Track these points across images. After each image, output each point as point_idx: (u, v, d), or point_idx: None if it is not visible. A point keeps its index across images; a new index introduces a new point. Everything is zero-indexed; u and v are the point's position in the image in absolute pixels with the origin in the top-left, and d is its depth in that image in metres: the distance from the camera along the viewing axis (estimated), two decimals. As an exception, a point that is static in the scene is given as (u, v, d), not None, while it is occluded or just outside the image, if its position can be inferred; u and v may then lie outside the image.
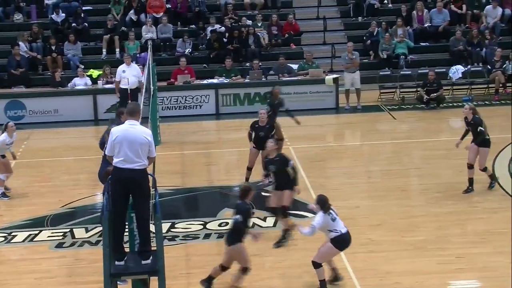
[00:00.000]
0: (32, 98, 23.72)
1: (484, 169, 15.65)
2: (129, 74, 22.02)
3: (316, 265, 11.31)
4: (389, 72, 25.45)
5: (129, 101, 21.54)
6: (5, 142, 16.04)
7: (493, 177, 15.90)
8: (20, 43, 25.75)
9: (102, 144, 13.56)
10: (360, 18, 28.43)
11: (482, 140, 15.38)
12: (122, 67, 22.33)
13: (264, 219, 14.58)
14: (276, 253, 13.00)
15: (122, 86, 22.02)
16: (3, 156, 16.22)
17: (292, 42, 27.25)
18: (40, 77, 25.47)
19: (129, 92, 21.65)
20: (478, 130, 15.38)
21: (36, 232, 14.38)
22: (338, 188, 15.66)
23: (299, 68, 24.75)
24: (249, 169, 16.18)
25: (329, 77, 24.11)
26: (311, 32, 28.19)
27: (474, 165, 15.50)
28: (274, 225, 14.25)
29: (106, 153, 9.52)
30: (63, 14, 27.40)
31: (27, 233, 14.28)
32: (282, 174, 13.26)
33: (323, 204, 11.32)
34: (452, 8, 27.81)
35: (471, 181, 15.63)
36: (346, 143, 20.71)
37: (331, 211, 11.28)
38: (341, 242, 11.32)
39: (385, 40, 26.21)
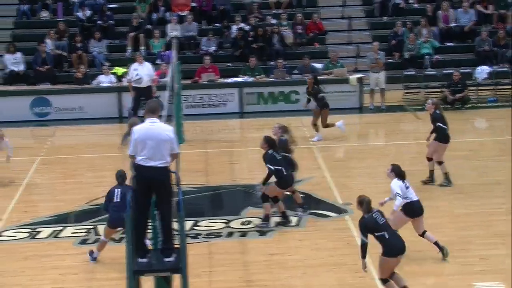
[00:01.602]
0: (57, 95, 23.88)
1: (440, 163, 16.17)
2: (141, 73, 22.09)
3: None
4: (413, 72, 25.35)
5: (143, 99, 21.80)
6: None
7: (447, 176, 16.19)
8: (46, 40, 25.94)
9: None
10: (385, 18, 28.33)
11: (441, 136, 15.99)
12: (134, 66, 22.38)
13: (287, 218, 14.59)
14: (298, 253, 13.02)
15: (135, 84, 22.14)
16: None
17: (317, 41, 27.22)
18: (66, 74, 25.62)
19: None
20: (437, 125, 15.95)
21: (60, 228, 14.49)
22: (361, 188, 15.58)
23: (325, 67, 24.73)
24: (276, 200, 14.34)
25: (353, 77, 24.07)
26: (336, 32, 28.13)
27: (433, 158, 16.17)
28: (297, 224, 14.30)
29: (128, 152, 9.51)
30: (89, 12, 27.57)
31: (51, 229, 14.38)
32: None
33: (399, 171, 12.28)
34: (478, 8, 27.64)
35: (431, 173, 16.26)
36: (370, 143, 20.65)
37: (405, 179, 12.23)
38: (412, 209, 12.18)
39: (409, 40, 26.10)
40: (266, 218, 14.15)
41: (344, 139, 20.38)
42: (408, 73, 25.32)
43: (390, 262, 10.75)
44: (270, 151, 14.07)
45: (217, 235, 13.97)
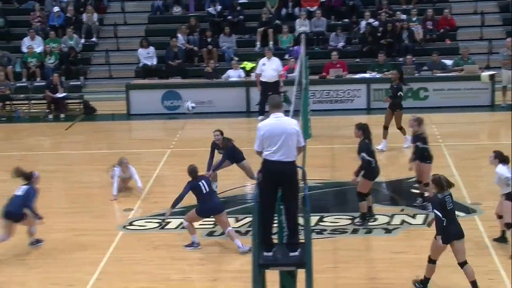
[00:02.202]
0: (187, 89, 24.38)
1: None
2: (269, 68, 22.35)
3: (509, 226, 12.33)
4: (549, 70, 24.49)
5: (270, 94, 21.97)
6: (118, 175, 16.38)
7: None
8: (178, 35, 26.54)
9: None
10: (520, 13, 27.52)
11: None
12: (262, 60, 22.68)
13: (414, 216, 14.44)
14: (424, 252, 12.78)
15: (263, 79, 22.41)
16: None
17: (447, 37, 26.72)
18: (196, 69, 26.12)
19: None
20: None
21: (189, 219, 14.77)
22: (491, 188, 15.23)
23: (454, 63, 24.26)
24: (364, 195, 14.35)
25: (485, 74, 23.53)
26: (468, 27, 27.53)
27: None
28: (426, 223, 14.11)
29: (255, 148, 9.61)
30: (220, 7, 28.03)
31: (180, 220, 14.69)
32: None
33: (502, 156, 12.45)
34: None
35: None
36: (501, 142, 20.09)
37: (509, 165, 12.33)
38: None
39: (545, 36, 25.26)
40: (363, 217, 14.12)
41: (473, 137, 19.92)
42: (544, 70, 24.47)
43: (442, 247, 10.99)
44: (366, 140, 13.96)
45: (342, 231, 13.96)
